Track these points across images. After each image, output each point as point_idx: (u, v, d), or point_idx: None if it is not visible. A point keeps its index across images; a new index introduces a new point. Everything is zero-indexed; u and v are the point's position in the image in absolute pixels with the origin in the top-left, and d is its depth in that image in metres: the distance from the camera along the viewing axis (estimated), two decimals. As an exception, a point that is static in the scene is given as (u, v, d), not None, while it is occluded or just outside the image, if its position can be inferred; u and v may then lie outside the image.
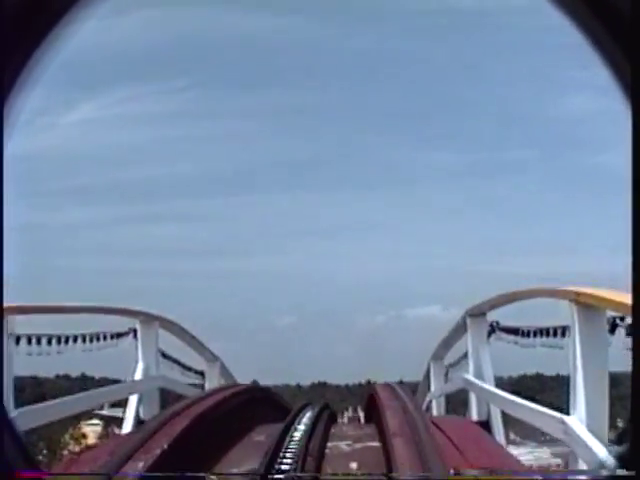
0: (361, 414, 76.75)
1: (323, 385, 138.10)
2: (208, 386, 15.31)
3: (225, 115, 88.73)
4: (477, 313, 9.68)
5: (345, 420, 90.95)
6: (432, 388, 13.22)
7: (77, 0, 1.60)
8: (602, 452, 4.94)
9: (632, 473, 1.64)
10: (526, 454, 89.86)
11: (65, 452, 77.85)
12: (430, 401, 13.66)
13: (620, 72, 1.53)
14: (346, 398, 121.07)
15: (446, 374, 12.99)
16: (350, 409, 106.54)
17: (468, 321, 9.89)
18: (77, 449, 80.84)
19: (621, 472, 1.64)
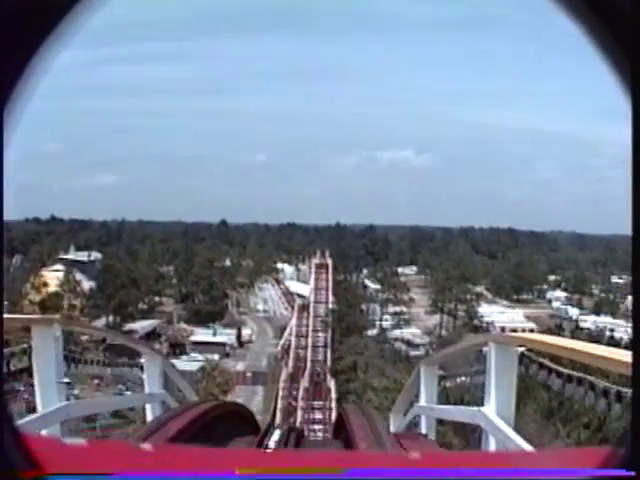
0: (329, 261, 76.64)
1: (292, 226, 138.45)
2: None
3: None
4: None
5: (313, 266, 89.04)
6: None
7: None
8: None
9: (632, 473, 1.58)
10: (498, 314, 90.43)
11: (26, 302, 77.19)
12: None
13: (620, 69, 1.48)
14: (314, 241, 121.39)
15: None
16: (318, 253, 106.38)
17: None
18: (38, 298, 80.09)
19: (621, 472, 1.59)
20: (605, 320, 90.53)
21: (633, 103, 1.47)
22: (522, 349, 6.33)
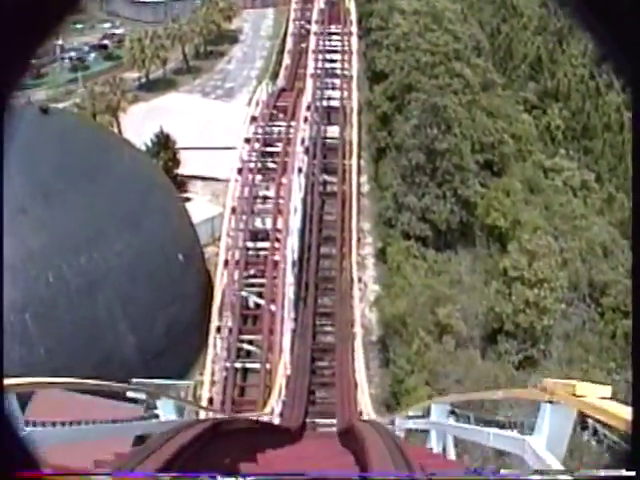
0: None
1: None
2: None
3: None
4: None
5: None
6: None
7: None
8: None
9: (632, 473, 1.57)
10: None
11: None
12: None
13: (621, 69, 1.47)
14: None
15: None
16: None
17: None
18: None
19: (621, 472, 1.58)
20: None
21: (634, 102, 1.45)
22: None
